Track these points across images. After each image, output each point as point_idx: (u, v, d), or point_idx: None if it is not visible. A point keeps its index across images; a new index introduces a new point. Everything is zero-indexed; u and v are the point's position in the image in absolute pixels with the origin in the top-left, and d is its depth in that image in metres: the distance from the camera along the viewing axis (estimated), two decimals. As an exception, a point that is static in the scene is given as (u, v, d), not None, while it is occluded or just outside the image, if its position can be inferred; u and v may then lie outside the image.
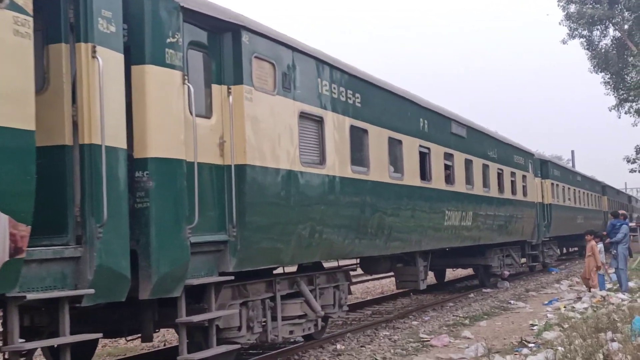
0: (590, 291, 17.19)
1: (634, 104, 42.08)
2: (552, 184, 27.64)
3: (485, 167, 18.48)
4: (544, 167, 26.94)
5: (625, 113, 44.63)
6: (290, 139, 9.38)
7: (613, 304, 14.62)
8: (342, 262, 12.20)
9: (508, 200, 20.64)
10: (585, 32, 42.33)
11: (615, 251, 17.92)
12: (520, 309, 15.93)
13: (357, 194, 11.28)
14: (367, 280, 23.24)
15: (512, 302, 17.31)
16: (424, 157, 14.34)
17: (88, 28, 6.35)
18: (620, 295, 16.35)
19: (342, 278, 11.77)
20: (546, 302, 16.74)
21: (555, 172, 28.43)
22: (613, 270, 18.66)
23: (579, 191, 34.28)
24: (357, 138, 11.41)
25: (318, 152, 10.24)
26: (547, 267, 28.60)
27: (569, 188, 31.27)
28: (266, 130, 8.82)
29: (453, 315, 14.96)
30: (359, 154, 11.47)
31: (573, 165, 53.54)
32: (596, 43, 43.21)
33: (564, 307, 15.12)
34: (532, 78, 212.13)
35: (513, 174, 21.39)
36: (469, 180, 17.14)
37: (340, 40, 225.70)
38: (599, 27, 42.37)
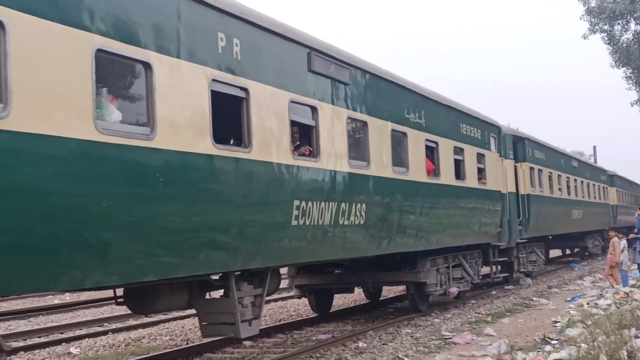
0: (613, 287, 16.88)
1: (656, 98, 42.20)
2: (532, 168, 21.08)
3: (398, 136, 12.09)
4: (520, 147, 20.38)
5: (648, 108, 44.08)
6: None
7: (637, 300, 14.21)
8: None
9: (450, 189, 14.25)
10: (606, 27, 41.35)
11: None
12: (542, 306, 15.70)
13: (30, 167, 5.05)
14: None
15: (534, 299, 16.94)
16: (232, 106, 8.10)
17: None
18: None
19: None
20: (569, 299, 16.44)
21: (537, 154, 21.85)
22: (636, 266, 18.47)
23: (576, 180, 27.64)
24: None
25: None
26: (531, 276, 22.19)
27: (559, 175, 24.64)
28: None
29: (475, 313, 14.66)
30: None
31: (595, 161, 48.82)
32: (617, 38, 42.12)
33: (587, 303, 14.81)
34: (552, 73, 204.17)
35: (459, 151, 14.96)
36: (360, 155, 10.80)
37: (359, 44, 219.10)
38: (620, 21, 41.39)
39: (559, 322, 12.61)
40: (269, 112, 8.52)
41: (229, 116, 8.18)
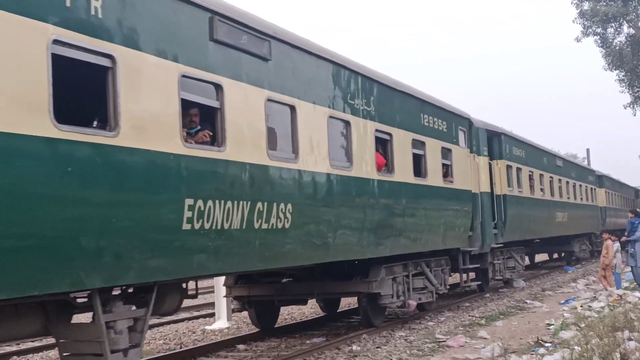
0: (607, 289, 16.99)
1: (649, 101, 43.19)
2: (509, 166, 19.37)
3: (338, 125, 10.36)
4: (495, 142, 18.67)
5: (641, 110, 44.85)
6: None
7: (630, 302, 14.38)
8: None
9: (407, 187, 12.51)
10: (599, 30, 41.88)
11: (633, 249, 17.55)
12: (536, 309, 15.68)
13: None
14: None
15: (528, 301, 16.92)
16: (94, 77, 6.39)
17: None
18: (637, 293, 15.93)
19: None
20: (563, 302, 16.46)
21: (516, 151, 20.15)
22: (629, 269, 18.59)
23: (560, 180, 25.95)
24: None
25: None
26: (512, 283, 20.53)
27: (541, 175, 22.95)
28: None
29: (469, 316, 14.66)
30: None
31: (588, 164, 48.17)
32: (610, 40, 42.65)
33: (581, 306, 14.98)
34: (545, 76, 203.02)
35: (419, 144, 13.22)
36: (285, 145, 9.09)
37: (347, 43, 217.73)
38: (613, 24, 41.89)
39: (552, 324, 12.56)
40: (149, 87, 6.77)
41: (88, 91, 6.44)
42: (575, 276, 24.02)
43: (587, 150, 58.99)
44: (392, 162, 11.99)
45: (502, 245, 18.53)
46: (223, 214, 7.63)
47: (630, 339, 9.14)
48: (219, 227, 7.59)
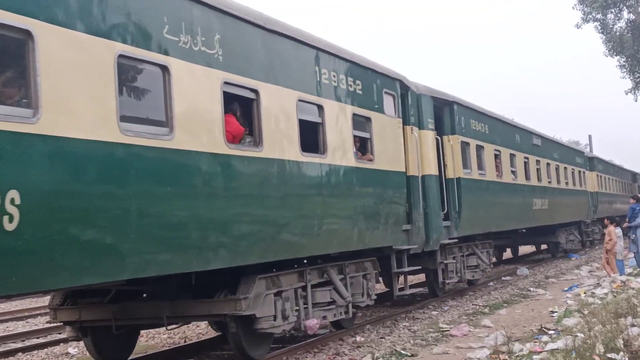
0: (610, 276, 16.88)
1: (650, 86, 42.93)
2: (466, 144, 15.75)
3: (141, 71, 6.79)
4: (446, 114, 15.02)
5: (642, 95, 44.64)
6: None
7: (633, 288, 14.06)
8: None
9: (288, 167, 8.96)
10: (599, 16, 41.98)
11: (634, 235, 17.65)
12: (540, 296, 15.60)
13: None
14: None
15: (531, 289, 16.81)
16: None
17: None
18: None
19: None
20: (566, 289, 16.34)
21: (475, 125, 16.45)
22: (632, 255, 18.68)
23: (539, 161, 22.30)
24: None
25: None
26: (473, 284, 17.00)
27: (512, 155, 19.27)
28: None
29: (472, 304, 14.54)
30: None
31: (590, 150, 46.45)
32: (610, 26, 42.67)
33: (584, 293, 14.79)
34: (546, 64, 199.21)
35: (313, 109, 9.64)
36: (21, 96, 5.56)
37: (341, 27, 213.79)
38: (612, 10, 42.00)
39: (556, 312, 12.58)
40: None
41: None
42: (578, 263, 23.80)
43: (589, 136, 57.59)
44: (259, 131, 8.41)
45: (456, 240, 14.97)
46: None
47: (633, 325, 9.07)
48: None
